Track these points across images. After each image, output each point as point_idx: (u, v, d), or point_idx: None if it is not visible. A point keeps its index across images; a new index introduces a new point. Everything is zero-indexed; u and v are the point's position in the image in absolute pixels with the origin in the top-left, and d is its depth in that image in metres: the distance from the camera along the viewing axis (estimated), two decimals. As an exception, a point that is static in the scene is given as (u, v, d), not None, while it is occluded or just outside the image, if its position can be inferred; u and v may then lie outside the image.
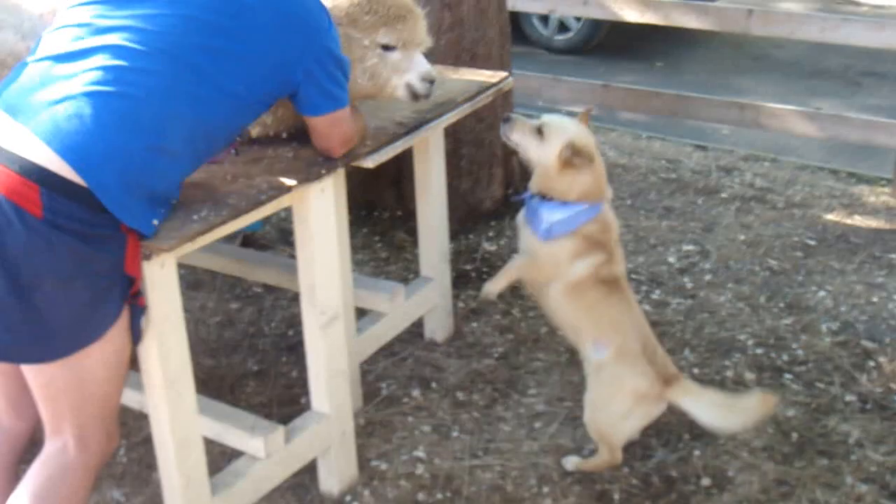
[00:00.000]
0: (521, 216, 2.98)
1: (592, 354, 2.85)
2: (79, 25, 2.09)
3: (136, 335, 2.15)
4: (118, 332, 2.09)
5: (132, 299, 2.09)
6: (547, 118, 2.86)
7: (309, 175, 2.42)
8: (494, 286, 3.01)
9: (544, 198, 2.85)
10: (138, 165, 1.99)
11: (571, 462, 2.97)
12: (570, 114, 3.36)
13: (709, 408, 2.72)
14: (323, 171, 2.45)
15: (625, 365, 2.78)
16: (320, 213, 2.52)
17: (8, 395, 2.32)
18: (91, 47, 2.04)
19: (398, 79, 2.69)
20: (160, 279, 2.13)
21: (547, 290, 2.90)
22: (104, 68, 2.00)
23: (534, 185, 2.90)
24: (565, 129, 2.82)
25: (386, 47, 2.65)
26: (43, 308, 1.95)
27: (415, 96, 2.74)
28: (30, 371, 2.09)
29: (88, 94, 1.96)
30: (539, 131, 2.81)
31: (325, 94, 2.36)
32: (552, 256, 2.85)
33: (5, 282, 1.91)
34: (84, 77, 1.98)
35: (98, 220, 1.94)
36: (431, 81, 2.73)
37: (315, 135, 2.47)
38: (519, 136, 2.84)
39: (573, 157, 2.76)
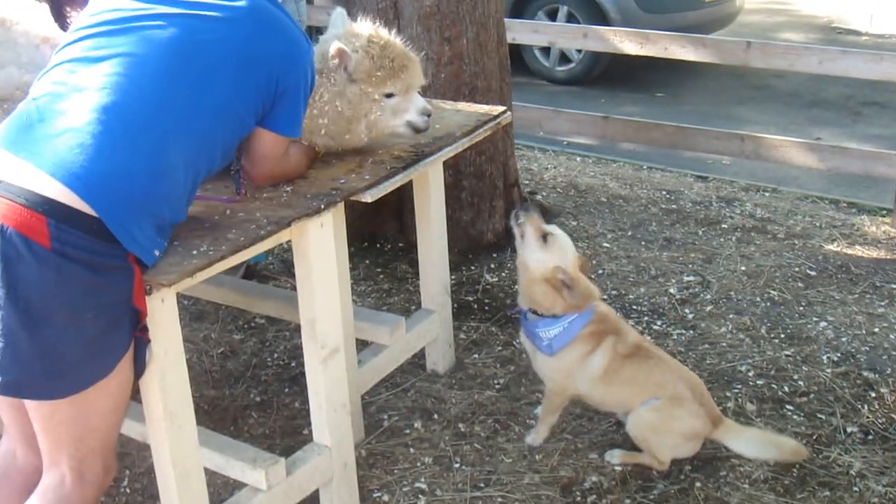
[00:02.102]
0: (523, 337, 3.16)
1: (645, 406, 2.99)
2: (71, 61, 2.13)
3: (139, 368, 2.16)
4: (124, 364, 2.10)
5: (140, 332, 2.11)
6: (557, 231, 2.98)
7: (308, 209, 2.44)
8: (539, 437, 3.20)
9: (535, 313, 3.00)
10: (143, 189, 2.02)
11: (616, 456, 3.09)
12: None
13: (748, 444, 2.98)
14: (322, 206, 2.47)
15: (681, 409, 2.95)
16: (320, 247, 2.54)
17: (22, 428, 2.30)
18: (86, 79, 2.07)
19: (399, 119, 2.83)
20: (160, 314, 2.14)
21: (584, 393, 3.07)
22: (100, 98, 2.03)
23: (522, 299, 3.06)
24: (567, 251, 2.94)
25: (388, 95, 2.78)
26: (54, 343, 1.96)
27: (416, 131, 2.87)
28: (32, 402, 2.08)
29: (87, 125, 1.99)
30: (544, 238, 2.93)
31: (293, 117, 2.43)
32: (565, 368, 3.02)
33: (17, 315, 1.92)
34: (81, 109, 2.02)
35: (106, 250, 1.96)
36: (429, 115, 2.86)
37: (258, 152, 2.45)
38: (528, 230, 2.95)
39: (560, 282, 2.90)
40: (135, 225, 2.01)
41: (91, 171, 1.95)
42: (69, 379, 2.02)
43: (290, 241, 2.54)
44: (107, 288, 1.99)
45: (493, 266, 4.35)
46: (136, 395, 2.29)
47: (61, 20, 2.73)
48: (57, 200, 1.91)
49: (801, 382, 3.49)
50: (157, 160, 2.05)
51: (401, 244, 4.54)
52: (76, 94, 2.05)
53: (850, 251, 4.57)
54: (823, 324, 3.89)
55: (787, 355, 3.66)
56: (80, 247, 1.93)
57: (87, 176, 1.94)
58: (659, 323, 3.91)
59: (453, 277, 4.05)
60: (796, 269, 4.37)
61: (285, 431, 3.30)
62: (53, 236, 1.90)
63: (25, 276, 1.90)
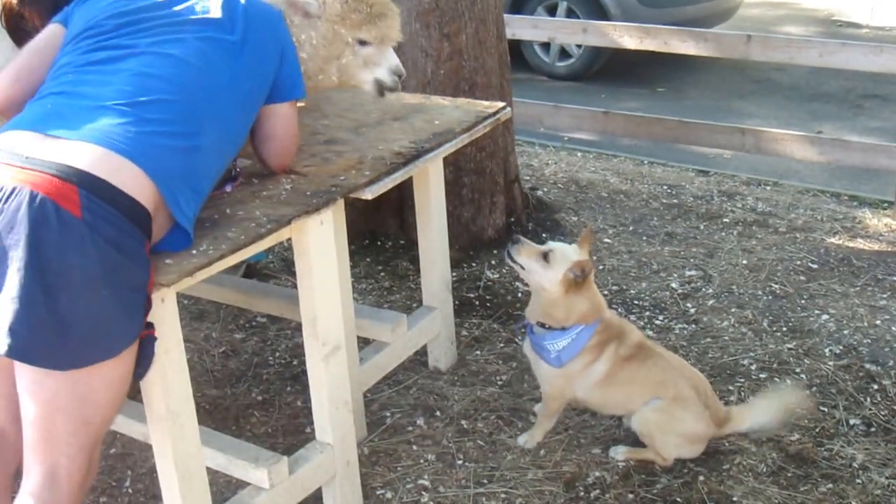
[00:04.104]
0: (527, 347, 3.12)
1: (650, 406, 2.98)
2: (89, 65, 2.21)
3: (146, 365, 2.13)
4: (128, 357, 2.07)
5: (147, 329, 2.09)
6: (553, 245, 2.96)
7: (308, 207, 2.44)
8: (533, 440, 3.18)
9: (543, 326, 2.97)
10: (183, 161, 2.12)
11: (621, 452, 3.08)
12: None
13: (759, 419, 3.02)
14: (322, 203, 2.47)
15: (685, 410, 2.94)
16: (320, 244, 2.54)
17: (8, 406, 2.24)
18: (108, 71, 2.18)
19: (368, 73, 2.80)
20: (161, 313, 2.14)
21: (582, 398, 3.06)
22: (131, 80, 2.14)
23: (532, 313, 3.03)
24: (569, 255, 2.92)
25: (362, 42, 2.75)
26: (67, 311, 1.93)
27: (381, 91, 2.82)
28: (33, 383, 2.03)
29: (122, 105, 2.08)
30: (545, 257, 2.90)
31: (296, 78, 2.51)
32: (570, 377, 3.00)
33: (37, 280, 1.89)
34: (112, 89, 2.12)
35: (131, 231, 1.98)
36: (400, 76, 2.82)
37: (281, 130, 2.54)
38: (525, 260, 2.92)
39: (577, 277, 2.86)
40: (179, 193, 2.11)
41: (134, 138, 2.04)
42: (73, 351, 1.98)
43: (290, 239, 2.54)
44: (128, 270, 1.98)
45: (493, 262, 4.35)
46: (136, 395, 2.28)
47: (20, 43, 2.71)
48: (89, 172, 1.94)
49: (803, 375, 3.49)
50: (191, 136, 2.16)
51: (401, 241, 4.53)
52: (99, 85, 2.14)
53: (851, 244, 4.56)
54: (825, 317, 3.88)
55: (790, 348, 3.66)
56: (109, 221, 1.94)
57: (129, 142, 2.03)
58: (661, 318, 3.91)
59: (454, 274, 4.05)
60: (798, 262, 4.36)
61: (287, 430, 3.30)
62: (84, 205, 1.91)
63: (48, 240, 1.89)
